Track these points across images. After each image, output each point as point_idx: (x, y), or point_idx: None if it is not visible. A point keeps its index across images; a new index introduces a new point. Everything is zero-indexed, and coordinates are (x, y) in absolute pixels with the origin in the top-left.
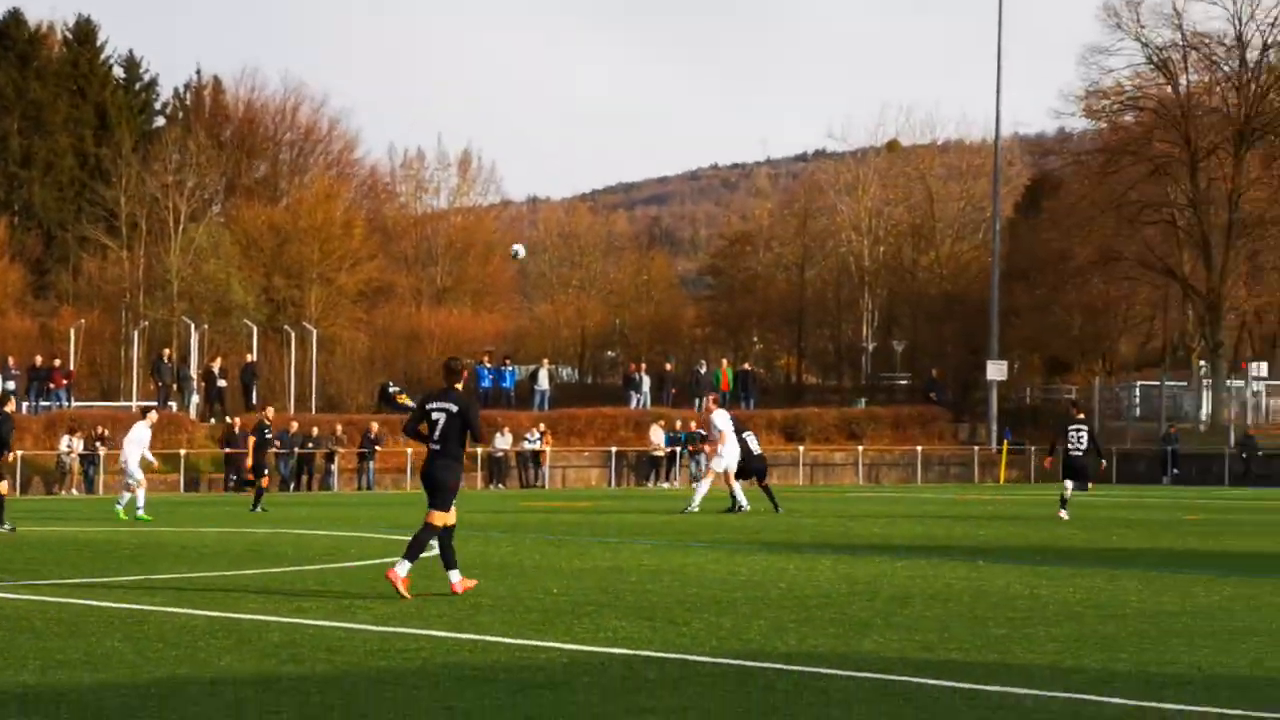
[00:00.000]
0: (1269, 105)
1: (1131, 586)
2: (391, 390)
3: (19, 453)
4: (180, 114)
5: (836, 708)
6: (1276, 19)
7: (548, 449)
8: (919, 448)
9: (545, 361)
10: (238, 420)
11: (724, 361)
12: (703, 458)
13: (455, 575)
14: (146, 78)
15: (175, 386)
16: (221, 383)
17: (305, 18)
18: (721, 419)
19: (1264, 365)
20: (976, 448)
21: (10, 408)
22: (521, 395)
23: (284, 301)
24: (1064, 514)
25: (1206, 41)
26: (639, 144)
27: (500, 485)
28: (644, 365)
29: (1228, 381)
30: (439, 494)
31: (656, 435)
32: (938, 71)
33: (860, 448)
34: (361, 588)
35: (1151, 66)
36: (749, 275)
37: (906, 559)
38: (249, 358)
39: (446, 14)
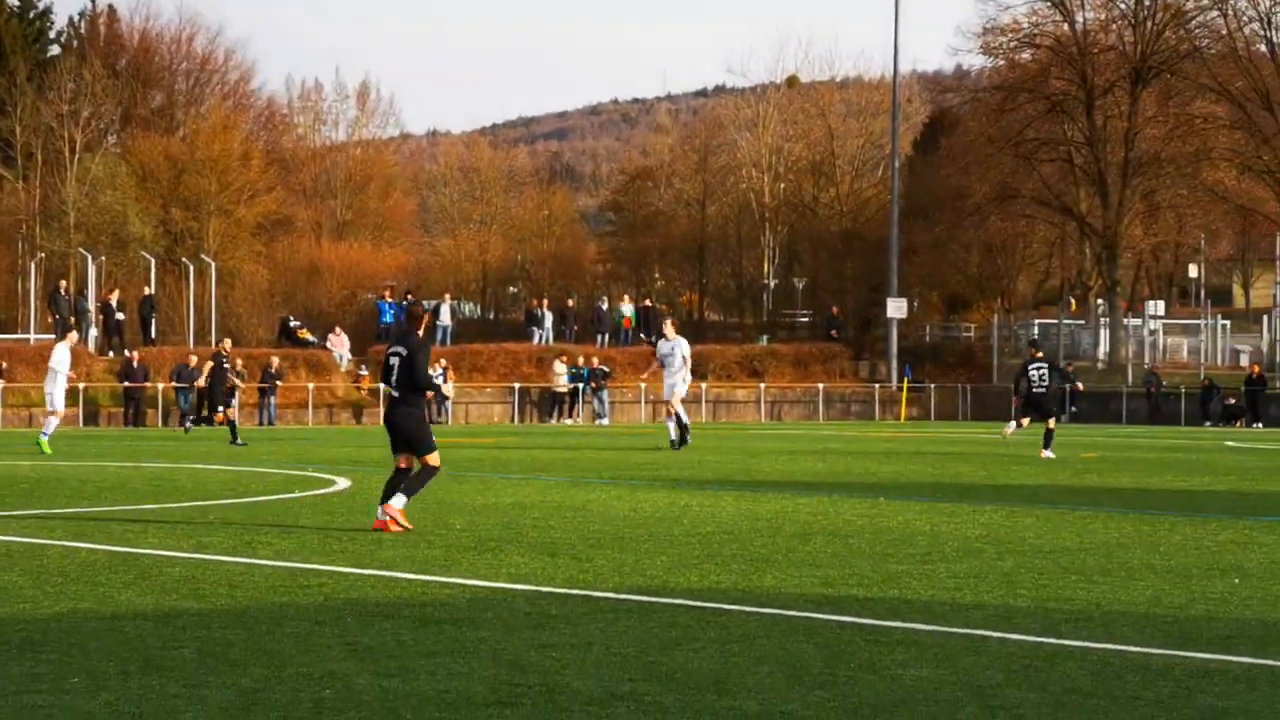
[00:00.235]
0: (1165, 43)
1: (1030, 523)
2: (293, 325)
3: None
4: (75, 43)
5: (737, 643)
6: None
7: (450, 385)
8: (820, 385)
9: (447, 297)
10: (135, 354)
11: (625, 298)
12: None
13: (398, 505)
14: (41, 5)
15: (73, 319)
16: (120, 316)
17: None
18: (686, 344)
19: (1160, 304)
20: (877, 385)
21: None
22: None
23: (182, 234)
24: (1049, 453)
25: None
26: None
27: None
28: (546, 301)
29: (1125, 320)
30: (409, 441)
31: (559, 371)
32: (837, 7)
33: (762, 385)
34: (262, 523)
35: (1049, 4)
36: (650, 211)
37: (808, 496)
38: (147, 290)
39: None
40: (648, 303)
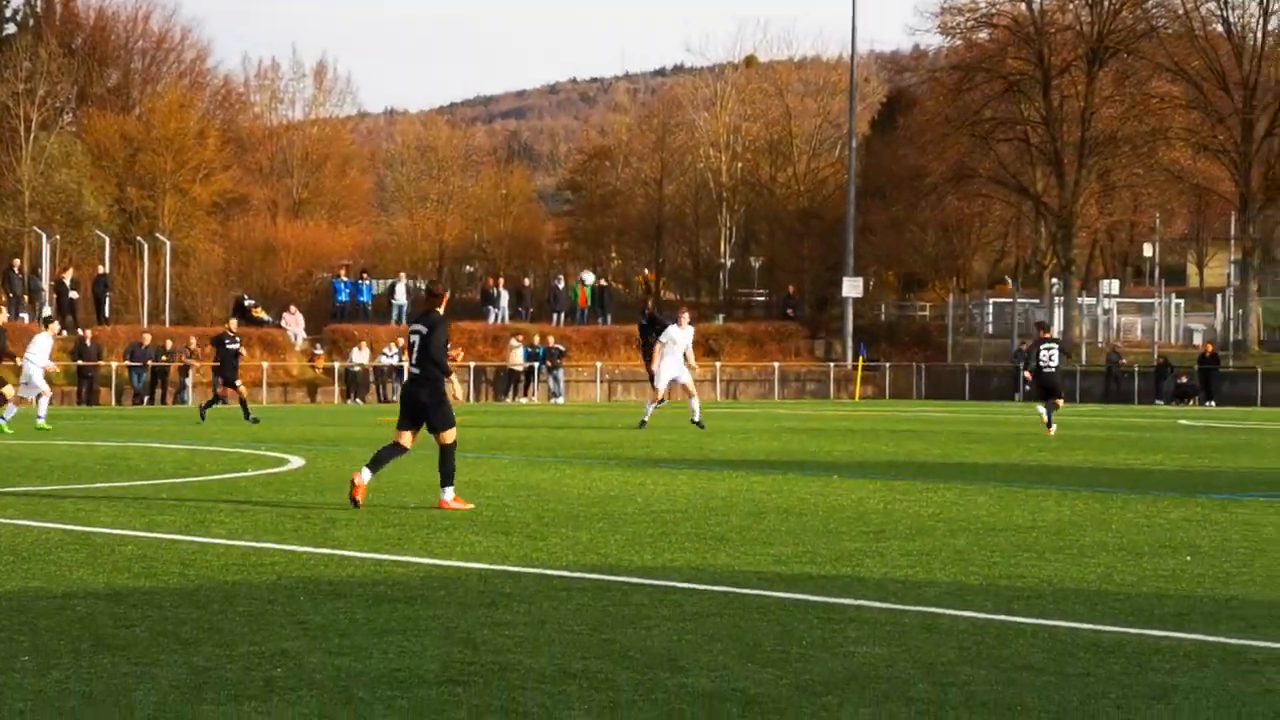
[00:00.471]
0: (1121, 23)
1: (982, 501)
2: (247, 303)
3: None
4: (31, 21)
5: (691, 620)
6: None
7: (405, 364)
8: (776, 364)
9: (403, 275)
10: (89, 332)
11: (588, 270)
12: (668, 369)
13: (447, 497)
14: None
15: (26, 298)
16: (74, 294)
17: None
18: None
19: (1115, 283)
20: (832, 364)
21: None
22: (379, 309)
23: (137, 213)
24: (1053, 429)
25: None
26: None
27: (358, 400)
28: (502, 280)
29: (1080, 299)
30: (427, 415)
31: (515, 350)
32: None
33: (718, 364)
34: (215, 501)
35: None
36: (608, 191)
37: (762, 474)
38: (101, 269)
39: None
40: (603, 282)
